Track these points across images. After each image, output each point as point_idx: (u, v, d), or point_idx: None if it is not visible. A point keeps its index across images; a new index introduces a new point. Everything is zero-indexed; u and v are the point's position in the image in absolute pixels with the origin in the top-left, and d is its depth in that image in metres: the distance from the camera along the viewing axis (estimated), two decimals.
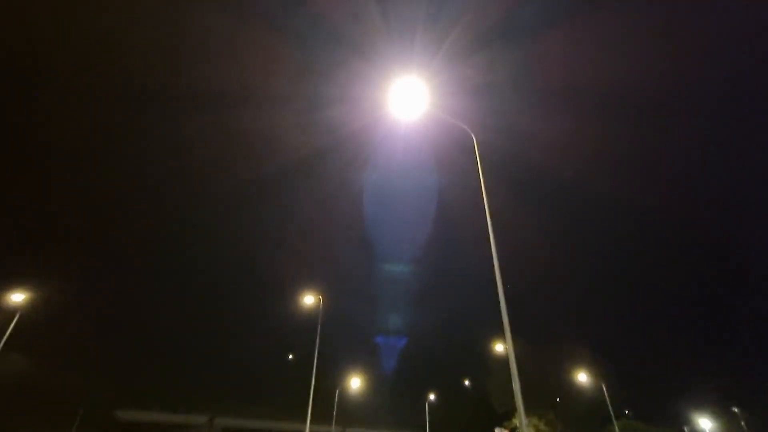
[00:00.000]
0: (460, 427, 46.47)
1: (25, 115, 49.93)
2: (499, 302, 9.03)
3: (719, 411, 33.70)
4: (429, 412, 39.93)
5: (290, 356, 49.58)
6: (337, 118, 54.91)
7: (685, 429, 36.38)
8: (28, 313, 21.44)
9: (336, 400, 36.18)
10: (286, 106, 57.86)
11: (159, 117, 56.86)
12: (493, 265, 9.42)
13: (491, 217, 10.10)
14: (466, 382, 52.45)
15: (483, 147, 10.68)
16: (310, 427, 18.54)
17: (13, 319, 20.68)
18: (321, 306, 21.20)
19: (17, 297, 20.76)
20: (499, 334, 42.14)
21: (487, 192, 10.17)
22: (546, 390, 42.17)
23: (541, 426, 39.23)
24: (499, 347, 34.95)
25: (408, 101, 11.54)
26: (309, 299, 21.85)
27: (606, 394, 34.44)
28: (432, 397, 43.29)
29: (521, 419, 7.86)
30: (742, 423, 29.74)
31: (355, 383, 39.05)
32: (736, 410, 31.05)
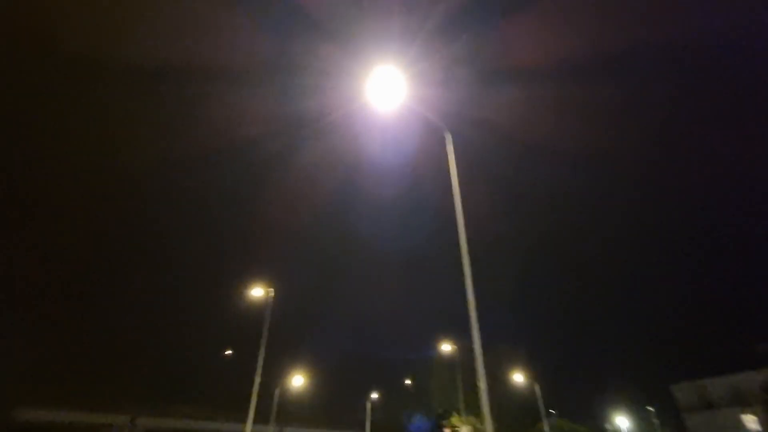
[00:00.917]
0: (399, 426, 46.90)
1: None
2: (461, 301, 9.00)
3: (635, 409, 37.39)
4: (370, 411, 39.89)
5: (228, 352, 47.14)
6: (312, 110, 53.00)
7: (607, 426, 39.78)
8: None
9: (275, 398, 34.85)
10: (257, 96, 55.06)
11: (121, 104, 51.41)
12: (462, 266, 9.34)
13: (464, 217, 10.08)
14: (408, 382, 53.23)
15: (461, 137, 10.61)
16: (245, 427, 17.59)
17: None
18: (270, 300, 20.17)
19: None
20: (446, 333, 43.15)
21: (461, 190, 10.14)
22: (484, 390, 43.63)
23: (478, 425, 40.79)
24: (446, 347, 35.63)
25: (386, 92, 11.19)
26: (257, 292, 20.74)
27: (538, 394, 36.63)
28: (374, 395, 43.29)
29: (486, 419, 7.83)
30: (654, 420, 33.22)
31: (297, 381, 37.93)
32: (649, 408, 34.65)
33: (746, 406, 36.78)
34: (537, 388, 37.60)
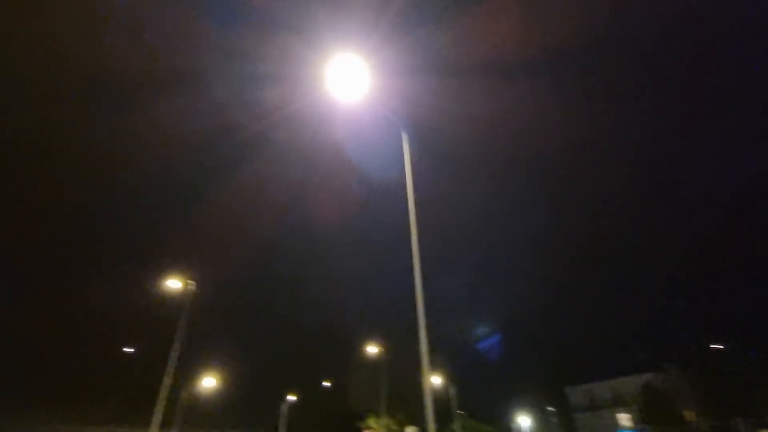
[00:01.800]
0: (316, 427, 45.88)
1: None
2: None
3: (537, 410, 40.93)
4: (285, 413, 38.39)
5: (128, 350, 42.06)
6: (269, 100, 49.19)
7: (512, 425, 42.96)
8: None
9: (180, 401, 31.92)
10: (208, 87, 50.01)
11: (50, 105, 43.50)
12: (412, 268, 9.14)
13: (416, 215, 9.91)
14: (325, 383, 52.45)
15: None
16: None
17: None
18: (190, 294, 18.29)
19: None
20: (369, 334, 43.20)
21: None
22: (398, 391, 44.57)
23: (393, 426, 41.50)
24: (372, 349, 35.56)
25: (347, 81, 10.67)
26: (174, 284, 18.71)
27: (452, 395, 38.33)
28: (290, 397, 41.75)
29: (430, 423, 7.65)
30: (553, 419, 36.72)
31: (208, 382, 35.13)
32: (550, 408, 38.19)
33: (625, 406, 42.13)
34: (451, 390, 39.28)
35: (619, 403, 42.81)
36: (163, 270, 19.75)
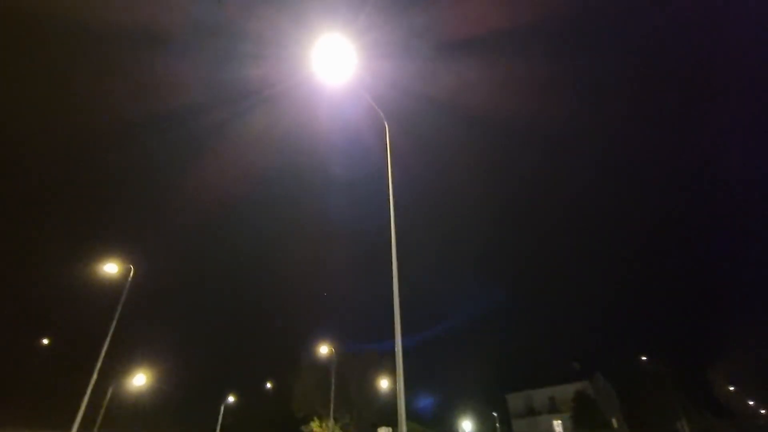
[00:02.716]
0: (256, 430, 43.81)
1: None
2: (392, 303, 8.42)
3: (481, 415, 42.02)
4: (225, 415, 36.19)
5: (45, 341, 37.36)
6: (253, 80, 46.35)
7: (456, 429, 43.69)
8: None
9: (107, 400, 28.90)
10: (190, 63, 46.24)
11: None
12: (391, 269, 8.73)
13: (395, 212, 9.53)
14: (268, 385, 50.42)
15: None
16: None
17: None
18: (129, 279, 16.55)
19: None
20: (317, 336, 42.06)
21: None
22: (343, 395, 43.81)
23: (337, 430, 40.59)
24: (319, 351, 34.52)
25: (333, 63, 10.12)
26: (111, 268, 16.85)
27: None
28: (231, 399, 39.49)
29: (401, 421, 7.25)
30: (497, 424, 37.73)
31: (138, 380, 32.18)
32: (494, 414, 39.32)
33: (559, 413, 44.39)
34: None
35: (555, 409, 45.05)
36: (97, 252, 17.84)
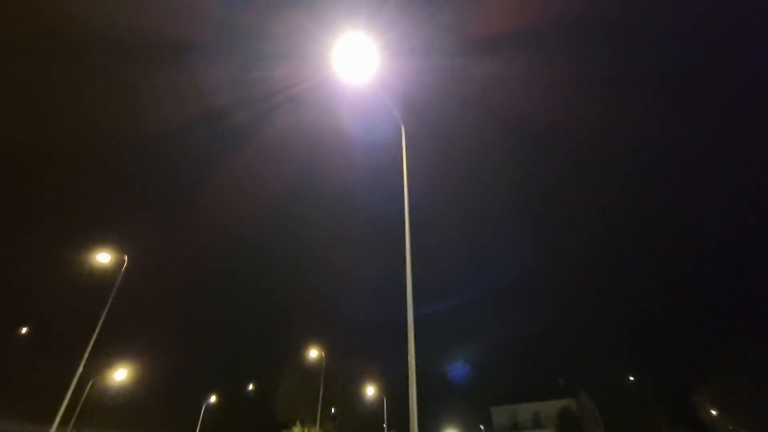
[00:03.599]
0: None
1: None
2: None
3: (467, 428, 41.78)
4: (205, 416, 35.32)
5: (23, 330, 35.98)
6: (275, 81, 45.96)
7: None
8: None
9: (84, 396, 27.93)
10: (213, 66, 45.99)
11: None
12: (405, 270, 8.59)
13: (409, 213, 9.42)
14: (250, 387, 49.48)
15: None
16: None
17: None
18: (122, 269, 16.09)
19: None
20: (303, 338, 41.51)
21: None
22: (327, 400, 43.24)
23: None
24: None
25: (355, 62, 10.05)
26: (104, 258, 16.38)
27: (385, 407, 37.85)
28: (213, 399, 38.61)
29: (413, 426, 7.06)
30: None
31: (119, 375, 31.23)
32: (481, 427, 39.18)
33: (543, 428, 44.34)
34: (385, 402, 38.81)
35: (540, 425, 44.99)
36: (88, 240, 17.37)
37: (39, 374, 30.35)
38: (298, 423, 40.84)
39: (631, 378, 41.04)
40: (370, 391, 40.27)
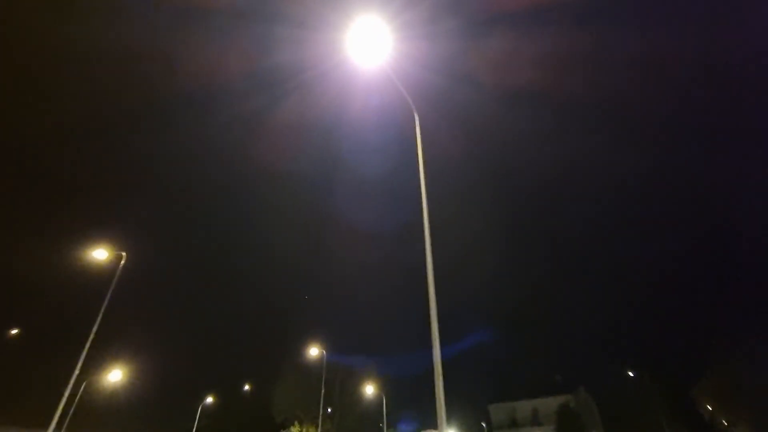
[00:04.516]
0: None
1: None
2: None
3: (468, 424, 41.65)
4: (202, 417, 34.69)
5: (14, 331, 34.93)
6: (287, 65, 45.11)
7: None
8: None
9: (77, 398, 27.16)
10: (225, 48, 44.99)
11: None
12: (425, 266, 8.17)
13: (428, 213, 8.99)
14: (246, 387, 48.85)
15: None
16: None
17: None
18: (121, 265, 15.50)
19: None
20: (303, 338, 41.02)
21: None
22: (325, 400, 42.78)
23: None
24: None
25: (368, 46, 9.63)
26: (100, 254, 15.76)
27: (384, 406, 37.51)
28: (209, 400, 37.96)
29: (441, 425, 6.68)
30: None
31: (113, 376, 30.48)
32: (483, 424, 39.02)
33: (542, 425, 44.34)
34: (384, 401, 38.47)
35: (538, 422, 44.99)
36: (84, 237, 16.74)
37: (29, 375, 29.54)
38: (296, 423, 40.39)
39: (630, 373, 41.16)
40: (369, 390, 39.90)
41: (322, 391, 30.44)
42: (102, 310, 14.55)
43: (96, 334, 14.95)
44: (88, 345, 13.73)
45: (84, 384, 27.30)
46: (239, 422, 43.93)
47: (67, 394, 12.87)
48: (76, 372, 13.18)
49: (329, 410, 43.49)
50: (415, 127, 10.31)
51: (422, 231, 8.66)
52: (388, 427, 36.64)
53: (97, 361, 30.02)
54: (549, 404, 44.88)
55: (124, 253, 15.81)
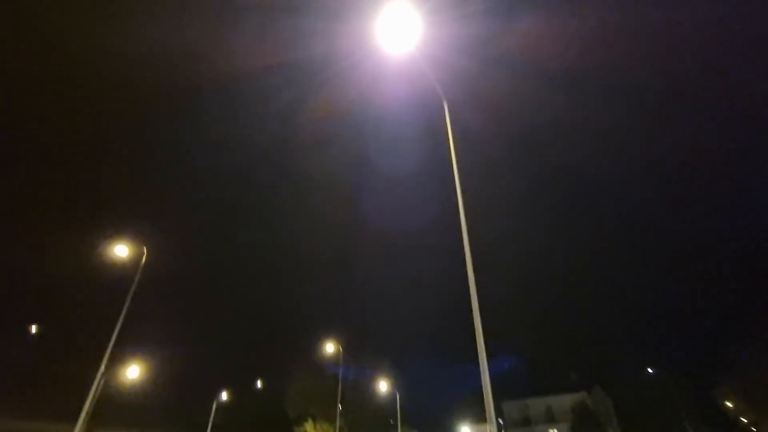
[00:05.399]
0: (248, 429, 42.45)
1: None
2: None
3: (478, 421, 41.43)
4: (217, 413, 34.89)
5: (33, 329, 35.48)
6: (317, 57, 44.97)
7: None
8: None
9: (97, 393, 27.43)
10: (256, 41, 45.26)
11: None
12: (465, 265, 7.89)
13: (465, 209, 8.69)
14: (259, 384, 49.06)
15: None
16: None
17: None
18: (143, 261, 15.48)
19: None
20: (317, 333, 40.92)
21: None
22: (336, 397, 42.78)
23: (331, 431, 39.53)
24: (330, 347, 33.31)
25: (398, 31, 9.38)
26: (121, 251, 15.76)
27: (398, 402, 37.37)
28: (224, 396, 38.13)
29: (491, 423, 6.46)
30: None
31: (132, 372, 30.67)
32: (500, 421, 38.84)
33: (556, 423, 43.86)
34: (398, 397, 38.33)
35: (552, 419, 44.52)
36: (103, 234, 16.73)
37: (52, 372, 29.91)
38: (309, 419, 40.42)
39: (650, 370, 40.43)
40: (383, 386, 39.74)
41: (339, 387, 30.35)
42: (126, 305, 14.56)
43: (112, 329, 15.01)
44: (112, 341, 13.73)
45: (102, 380, 27.55)
46: (252, 418, 44.16)
47: (97, 389, 12.90)
48: (102, 368, 13.19)
49: (339, 408, 43.58)
50: (444, 116, 10.05)
51: (458, 230, 8.37)
52: (402, 424, 36.48)
53: (116, 356, 30.27)
54: (563, 402, 44.37)
55: (145, 249, 15.78)
